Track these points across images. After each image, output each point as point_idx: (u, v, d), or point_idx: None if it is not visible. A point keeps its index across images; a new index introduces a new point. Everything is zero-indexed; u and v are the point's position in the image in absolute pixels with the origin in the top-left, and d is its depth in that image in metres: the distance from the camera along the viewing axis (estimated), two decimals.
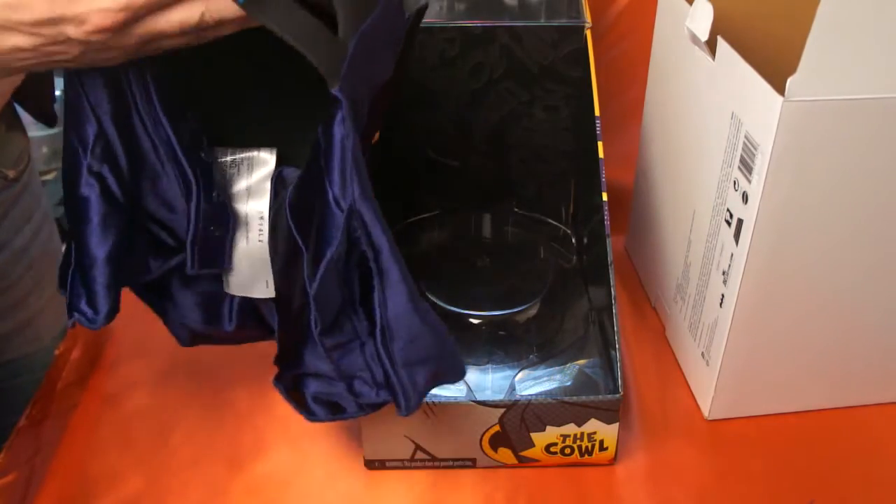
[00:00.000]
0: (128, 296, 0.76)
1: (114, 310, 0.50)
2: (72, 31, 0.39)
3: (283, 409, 0.65)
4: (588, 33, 0.64)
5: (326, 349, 0.48)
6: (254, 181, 0.51)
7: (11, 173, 0.71)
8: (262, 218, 0.51)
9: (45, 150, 1.69)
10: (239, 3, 0.39)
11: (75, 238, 0.48)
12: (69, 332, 0.72)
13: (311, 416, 0.51)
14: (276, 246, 0.49)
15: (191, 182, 0.48)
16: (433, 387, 0.49)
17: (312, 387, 0.51)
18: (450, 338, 0.48)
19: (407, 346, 0.47)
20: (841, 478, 0.58)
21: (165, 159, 0.48)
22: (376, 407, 0.50)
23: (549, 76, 0.69)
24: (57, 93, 0.67)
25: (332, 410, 0.51)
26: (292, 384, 0.52)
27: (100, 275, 0.48)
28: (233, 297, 0.54)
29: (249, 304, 0.54)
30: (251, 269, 0.52)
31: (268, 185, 0.51)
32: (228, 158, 0.51)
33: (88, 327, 0.49)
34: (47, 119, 0.75)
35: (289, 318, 0.50)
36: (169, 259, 0.52)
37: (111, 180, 0.47)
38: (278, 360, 0.52)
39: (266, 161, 0.51)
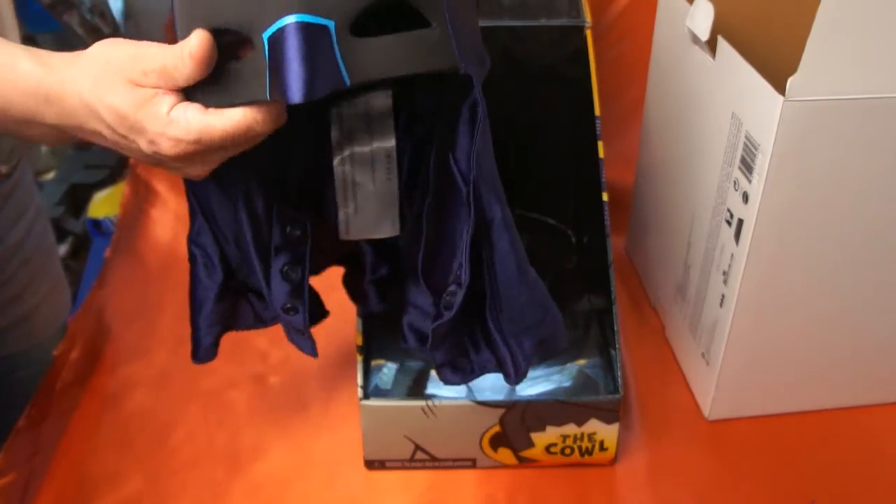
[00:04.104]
0: (126, 295, 0.77)
1: (209, 351, 0.54)
2: (144, 146, 0.42)
3: (283, 409, 0.65)
4: (588, 33, 0.64)
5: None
6: (375, 121, 0.50)
7: (4, 168, 0.71)
8: (388, 156, 0.50)
9: (44, 149, 1.69)
10: (346, 86, 0.39)
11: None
12: (68, 331, 0.72)
13: (403, 341, 0.53)
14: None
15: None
16: (538, 354, 0.50)
17: (409, 316, 0.53)
18: (555, 309, 0.50)
19: (515, 317, 0.48)
20: (841, 478, 0.58)
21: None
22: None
23: (549, 76, 0.69)
24: None
25: (422, 341, 0.53)
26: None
27: (203, 319, 0.53)
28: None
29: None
30: (378, 208, 0.52)
31: (390, 123, 0.50)
32: (347, 111, 0.50)
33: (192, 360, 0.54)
34: None
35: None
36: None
37: (212, 252, 0.51)
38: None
39: (383, 101, 0.50)
